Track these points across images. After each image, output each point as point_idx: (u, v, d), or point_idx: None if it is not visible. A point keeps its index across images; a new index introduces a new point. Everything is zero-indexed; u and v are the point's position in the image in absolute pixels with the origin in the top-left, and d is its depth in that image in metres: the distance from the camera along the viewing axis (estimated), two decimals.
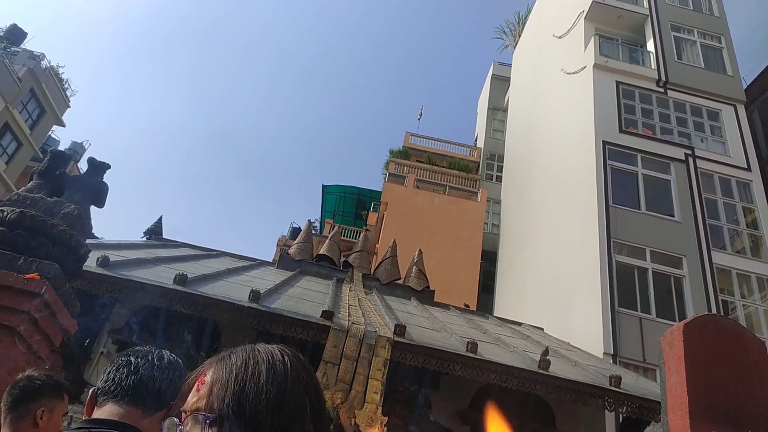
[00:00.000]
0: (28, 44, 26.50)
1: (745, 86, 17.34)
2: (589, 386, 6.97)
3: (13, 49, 25.00)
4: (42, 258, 3.13)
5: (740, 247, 14.20)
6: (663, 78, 16.48)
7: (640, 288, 12.89)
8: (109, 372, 1.26)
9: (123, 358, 1.28)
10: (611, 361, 11.06)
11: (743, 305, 13.15)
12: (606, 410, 7.26)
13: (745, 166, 15.20)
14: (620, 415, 8.34)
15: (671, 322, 11.54)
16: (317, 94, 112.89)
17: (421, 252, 13.09)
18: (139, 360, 1.27)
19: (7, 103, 23.29)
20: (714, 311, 12.18)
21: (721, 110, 16.31)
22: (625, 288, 12.79)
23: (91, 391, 1.27)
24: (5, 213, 3.14)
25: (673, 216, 14.10)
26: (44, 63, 25.99)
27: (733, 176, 15.06)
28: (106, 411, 1.21)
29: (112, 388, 1.23)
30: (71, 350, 6.89)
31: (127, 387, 1.22)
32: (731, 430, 2.48)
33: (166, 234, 12.33)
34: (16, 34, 26.26)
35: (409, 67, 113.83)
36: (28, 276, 3.01)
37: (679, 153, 15.11)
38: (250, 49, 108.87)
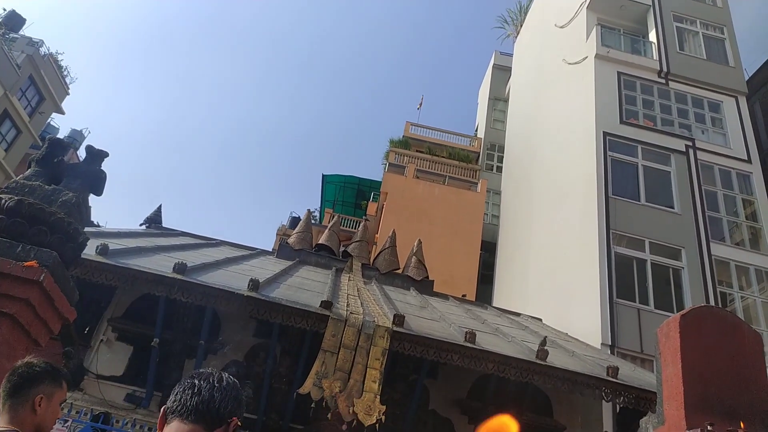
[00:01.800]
0: (26, 30, 26.36)
1: (747, 78, 17.27)
2: (586, 377, 7.01)
3: (11, 35, 24.85)
4: (40, 246, 3.13)
5: (739, 239, 14.21)
6: (665, 69, 16.41)
7: (639, 279, 12.92)
8: (177, 393, 1.42)
9: (188, 380, 1.44)
10: (609, 352, 11.11)
11: (741, 297, 13.18)
12: (603, 400, 7.31)
13: (746, 158, 15.18)
14: (617, 406, 8.39)
15: (669, 314, 11.57)
16: (317, 83, 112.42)
17: (420, 242, 13.10)
18: (202, 382, 1.43)
19: (5, 90, 23.19)
20: (712, 303, 12.22)
21: (722, 102, 16.25)
22: (623, 279, 12.81)
23: (162, 409, 1.43)
24: (3, 200, 3.14)
25: (672, 207, 14.09)
26: (43, 50, 25.84)
27: (733, 168, 15.04)
28: (173, 428, 1.38)
29: (178, 408, 1.39)
30: (71, 338, 6.92)
31: (191, 407, 1.38)
32: (726, 422, 2.49)
33: (166, 223, 12.34)
34: (14, 20, 26.09)
35: (410, 57, 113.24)
36: (26, 264, 3.01)
37: (680, 144, 15.07)
38: (249, 38, 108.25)
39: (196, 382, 1.43)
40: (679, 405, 2.56)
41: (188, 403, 1.38)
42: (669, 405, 2.65)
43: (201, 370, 1.49)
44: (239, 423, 1.44)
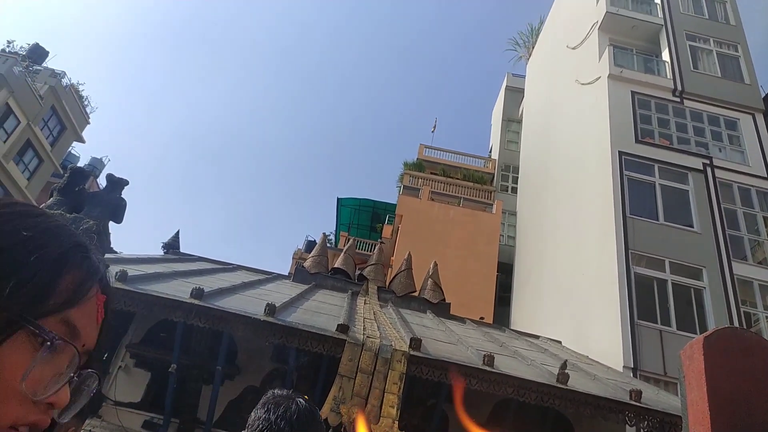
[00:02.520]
0: (49, 62, 27.15)
1: (763, 95, 17.13)
2: (608, 400, 6.86)
3: (35, 67, 25.61)
4: None
5: (762, 257, 13.94)
6: (679, 87, 16.35)
7: (660, 300, 12.69)
8: (254, 430, 1.37)
9: (264, 415, 1.38)
10: (631, 375, 10.88)
11: (766, 317, 12.87)
12: (627, 425, 7.13)
13: (765, 175, 14.97)
14: (641, 430, 8.18)
15: (692, 335, 11.33)
16: (332, 108, 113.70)
17: (436, 264, 13.04)
18: (280, 422, 1.35)
19: (29, 120, 23.81)
20: (735, 323, 11.94)
21: (739, 119, 16.11)
22: (644, 300, 12.59)
23: None
24: None
25: (692, 226, 13.90)
26: (65, 81, 26.58)
27: (752, 186, 14.83)
28: None
29: None
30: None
31: None
32: None
33: (183, 248, 12.44)
34: (38, 53, 26.92)
35: (423, 80, 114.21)
36: None
37: (697, 163, 14.93)
38: (265, 64, 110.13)
39: (274, 420, 1.36)
40: (706, 429, 2.49)
41: None
42: (695, 429, 2.58)
43: (277, 394, 1.44)
44: None
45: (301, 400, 1.44)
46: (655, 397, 7.69)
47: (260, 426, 1.37)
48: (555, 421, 8.16)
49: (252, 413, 1.41)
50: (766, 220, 14.43)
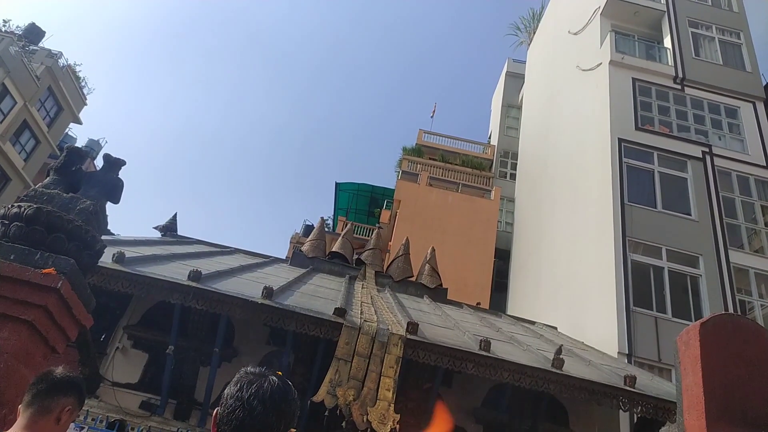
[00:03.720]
0: (46, 43, 26.86)
1: (764, 83, 17.05)
2: (603, 386, 6.92)
3: (31, 47, 25.34)
4: (58, 253, 3.16)
5: (758, 246, 13.98)
6: (680, 75, 16.27)
7: (656, 287, 12.74)
8: (228, 406, 1.35)
9: (237, 393, 1.36)
10: (626, 361, 10.96)
11: (761, 305, 12.94)
12: (620, 410, 7.20)
13: (764, 164, 14.96)
14: (635, 415, 8.26)
15: (687, 322, 11.40)
16: (330, 91, 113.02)
17: (434, 250, 13.06)
18: (254, 401, 1.34)
19: (25, 100, 23.62)
20: (731, 311, 12.01)
21: (739, 107, 16.06)
22: (640, 287, 12.64)
23: (215, 412, 1.38)
24: (22, 209, 3.18)
25: (690, 214, 13.91)
26: (62, 61, 26.32)
27: (751, 174, 14.82)
28: None
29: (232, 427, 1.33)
30: (87, 345, 6.98)
31: (247, 429, 1.32)
32: (748, 431, 2.44)
33: (181, 231, 12.44)
34: (34, 33, 26.60)
35: (423, 65, 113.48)
36: (44, 271, 3.05)
37: (696, 151, 14.90)
38: (263, 47, 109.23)
39: (247, 399, 1.35)
40: (700, 415, 2.51)
41: (242, 428, 1.32)
42: (689, 415, 2.61)
43: (249, 371, 1.42)
44: (294, 429, 1.40)
45: (274, 377, 1.42)
46: (649, 383, 7.76)
47: (232, 404, 1.35)
48: (550, 406, 8.23)
49: (225, 390, 1.40)
50: (763, 208, 14.45)
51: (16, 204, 3.25)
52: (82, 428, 6.46)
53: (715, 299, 12.45)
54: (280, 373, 1.47)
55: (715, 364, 2.61)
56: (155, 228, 11.99)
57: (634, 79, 16.13)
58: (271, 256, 12.86)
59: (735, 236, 13.81)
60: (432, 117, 31.11)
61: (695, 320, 3.16)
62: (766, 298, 13.08)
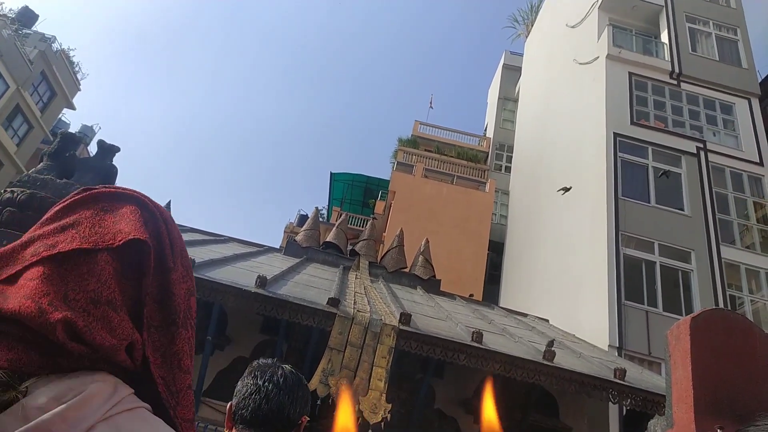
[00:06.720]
0: (39, 26, 26.55)
1: (760, 79, 17.10)
2: (593, 378, 6.97)
3: (24, 31, 25.04)
4: None
5: (750, 242, 14.08)
6: (676, 70, 16.28)
7: (648, 281, 12.84)
8: (243, 395, 1.39)
9: (252, 381, 1.40)
10: (616, 354, 11.05)
11: (751, 300, 13.06)
12: (610, 402, 7.26)
13: (758, 161, 15.03)
14: (624, 408, 8.34)
15: (678, 316, 11.50)
16: (327, 83, 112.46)
17: (428, 241, 13.08)
18: (268, 385, 1.39)
19: (18, 85, 23.38)
20: (721, 306, 12.12)
21: (734, 103, 16.10)
22: (632, 281, 12.73)
23: (229, 405, 1.40)
24: (15, 194, 3.16)
25: (683, 210, 13.99)
26: (55, 46, 26.03)
27: (744, 171, 14.90)
28: None
29: (247, 416, 1.36)
30: None
31: (261, 416, 1.35)
32: (737, 425, 2.47)
33: (175, 218, 12.37)
34: (27, 16, 26.29)
35: (420, 57, 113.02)
36: None
37: (691, 146, 14.96)
38: (261, 38, 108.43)
39: (262, 384, 1.39)
40: (688, 408, 2.54)
41: (258, 412, 1.35)
42: (678, 408, 2.63)
43: (262, 363, 1.46)
44: (308, 417, 1.42)
45: (287, 365, 1.46)
46: (638, 376, 7.83)
47: (248, 390, 1.39)
48: (540, 397, 8.29)
49: (239, 383, 1.43)
50: (756, 205, 14.54)
51: (8, 189, 3.23)
52: None
53: (706, 294, 12.55)
54: (290, 365, 1.50)
55: (704, 359, 2.64)
56: None
57: (630, 74, 16.14)
58: (265, 246, 12.85)
59: (727, 232, 13.90)
60: (431, 108, 31.05)
61: (686, 315, 3.18)
62: (756, 294, 13.19)
